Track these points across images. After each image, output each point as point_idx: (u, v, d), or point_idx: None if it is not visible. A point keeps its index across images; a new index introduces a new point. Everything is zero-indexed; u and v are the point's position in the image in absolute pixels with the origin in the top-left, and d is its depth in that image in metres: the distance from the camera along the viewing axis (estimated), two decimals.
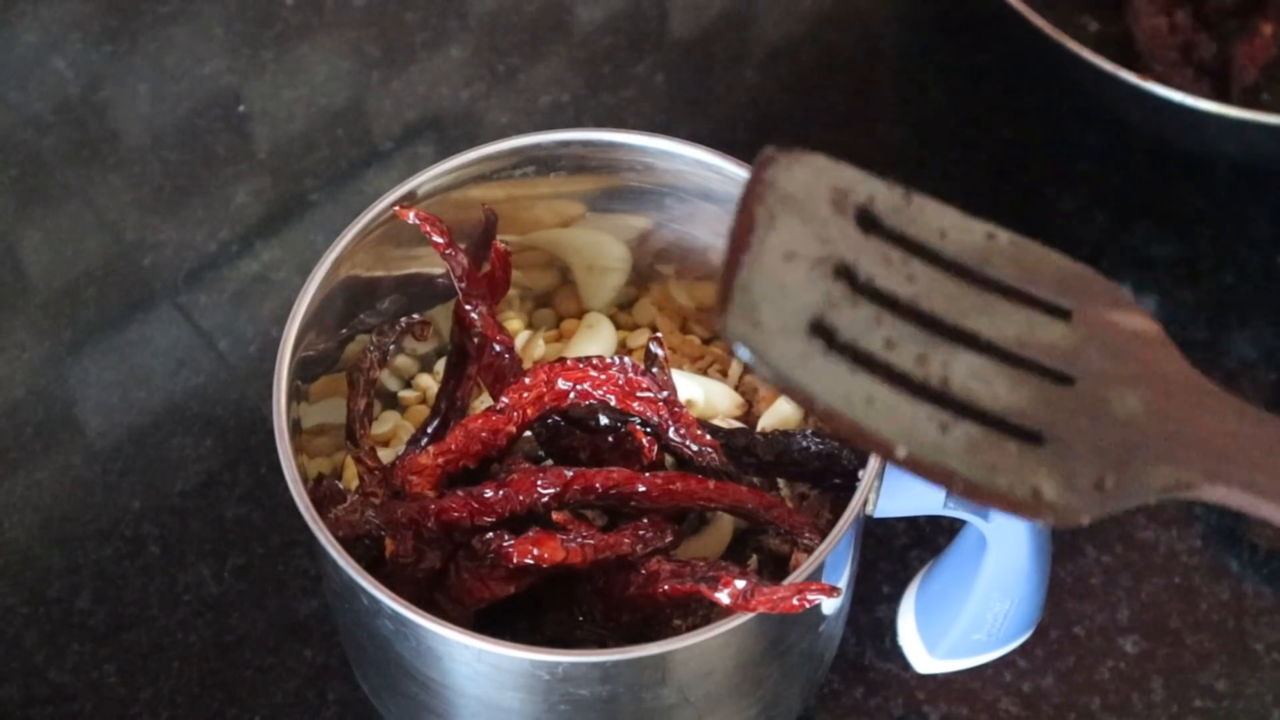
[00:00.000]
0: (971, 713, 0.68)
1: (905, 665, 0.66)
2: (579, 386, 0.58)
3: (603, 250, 0.67)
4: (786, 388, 0.44)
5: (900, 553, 0.70)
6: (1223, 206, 0.81)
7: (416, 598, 0.54)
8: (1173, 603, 0.70)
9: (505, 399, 0.58)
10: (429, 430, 0.61)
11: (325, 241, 0.63)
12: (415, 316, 0.62)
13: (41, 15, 0.84)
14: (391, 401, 0.67)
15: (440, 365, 0.65)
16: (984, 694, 0.68)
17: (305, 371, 0.60)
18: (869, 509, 0.57)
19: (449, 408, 0.61)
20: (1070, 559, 0.71)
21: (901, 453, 0.44)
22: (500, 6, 0.86)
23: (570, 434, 0.59)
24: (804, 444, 0.59)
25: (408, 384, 0.67)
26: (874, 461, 0.56)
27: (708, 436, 0.59)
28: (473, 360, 0.61)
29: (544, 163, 0.63)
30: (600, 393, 0.58)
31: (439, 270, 0.63)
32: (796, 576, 0.54)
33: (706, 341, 0.68)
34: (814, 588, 0.53)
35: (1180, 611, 0.70)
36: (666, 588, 0.55)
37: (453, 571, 0.56)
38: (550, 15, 0.85)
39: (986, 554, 0.60)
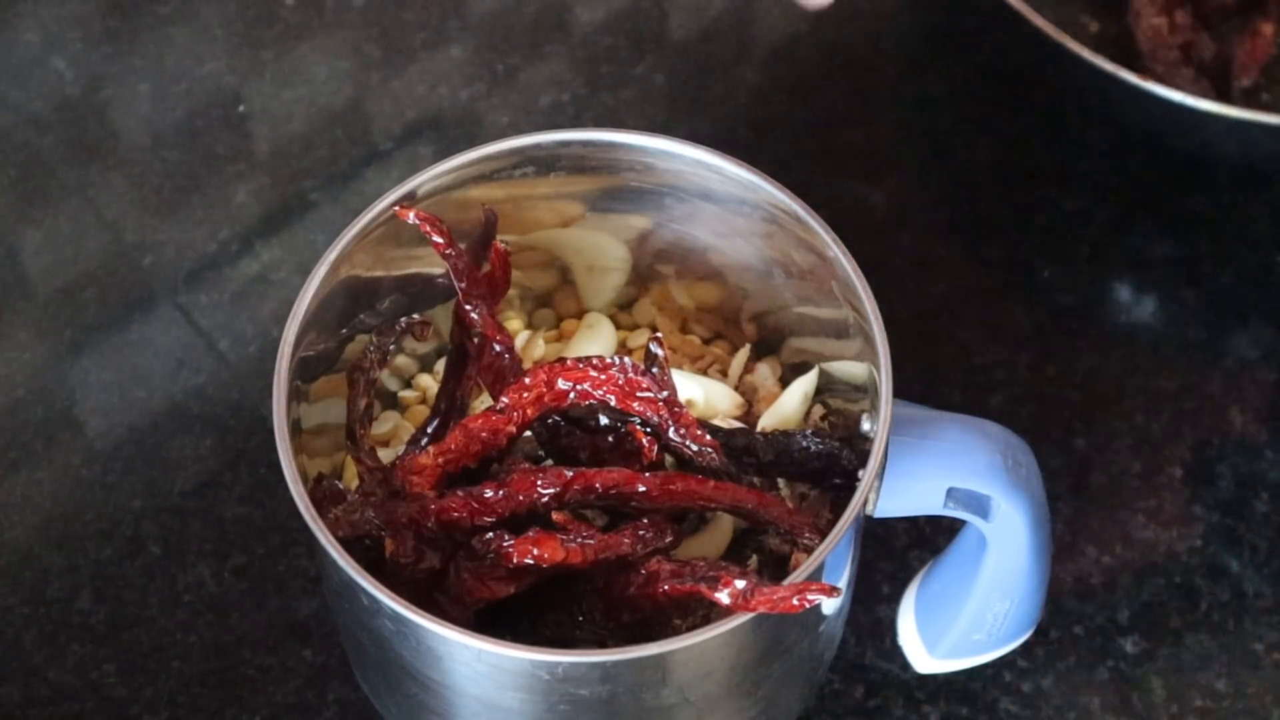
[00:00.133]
0: (971, 713, 0.68)
1: (905, 665, 0.66)
2: (579, 386, 0.58)
3: (603, 250, 0.67)
4: None
5: (900, 553, 0.70)
6: (1223, 206, 0.81)
7: (416, 598, 0.54)
8: (1173, 603, 0.70)
9: (505, 399, 0.58)
10: (429, 430, 0.61)
11: (325, 241, 0.63)
12: (415, 316, 0.62)
13: (41, 15, 0.84)
14: (391, 401, 0.67)
15: (440, 365, 0.65)
16: (984, 694, 0.68)
17: (305, 371, 0.60)
18: (869, 509, 0.57)
19: (449, 408, 0.61)
20: (1070, 559, 0.71)
21: None
22: (500, 6, 0.86)
23: (570, 434, 0.59)
24: (804, 444, 0.59)
25: (408, 384, 0.67)
26: (874, 461, 0.56)
27: (708, 436, 0.59)
28: (473, 360, 0.61)
29: (544, 163, 0.63)
30: (600, 393, 0.58)
31: (439, 270, 0.63)
32: (796, 576, 0.54)
33: (707, 341, 0.68)
34: (814, 588, 0.53)
35: (1180, 611, 0.70)
36: (666, 588, 0.55)
37: (453, 571, 0.56)
38: (550, 15, 0.85)
39: (986, 554, 0.60)
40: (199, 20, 0.85)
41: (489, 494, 0.56)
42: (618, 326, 0.68)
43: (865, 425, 0.59)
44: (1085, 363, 0.76)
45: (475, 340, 0.61)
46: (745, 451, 0.60)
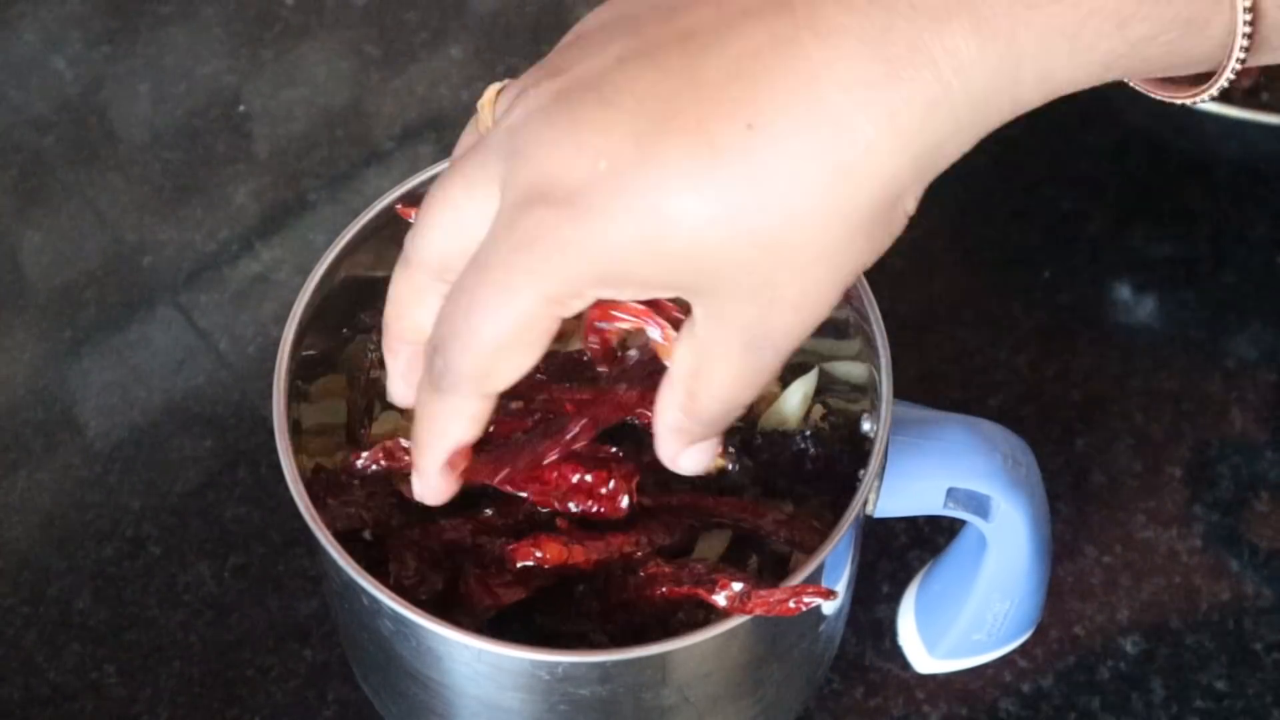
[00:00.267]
0: (971, 713, 0.68)
1: (905, 665, 0.66)
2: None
3: None
4: None
5: (900, 553, 0.70)
6: (1223, 206, 0.81)
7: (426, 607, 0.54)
8: (1173, 603, 0.70)
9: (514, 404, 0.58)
10: None
11: (325, 241, 0.63)
12: None
13: (41, 15, 0.84)
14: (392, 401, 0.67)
15: None
16: (984, 694, 0.68)
17: (305, 371, 0.60)
18: (869, 509, 0.57)
19: None
20: (1070, 559, 0.71)
21: None
22: (500, 6, 0.86)
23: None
24: (804, 444, 0.59)
25: None
26: (874, 461, 0.56)
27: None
28: None
29: None
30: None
31: None
32: (796, 577, 0.54)
33: None
34: (811, 590, 0.53)
35: (1180, 611, 0.70)
36: (664, 590, 0.55)
37: (460, 583, 0.56)
38: (550, 15, 0.85)
39: (986, 554, 0.60)
40: (199, 20, 0.85)
41: (489, 513, 0.56)
42: None
43: (865, 425, 0.59)
44: (1085, 363, 0.76)
45: None
46: (745, 452, 0.60)
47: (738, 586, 0.53)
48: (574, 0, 0.86)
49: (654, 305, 0.54)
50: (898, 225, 0.46)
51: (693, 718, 0.57)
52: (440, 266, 0.48)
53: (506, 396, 0.50)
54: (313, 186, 0.80)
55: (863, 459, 0.58)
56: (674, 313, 0.53)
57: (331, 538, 0.54)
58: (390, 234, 0.61)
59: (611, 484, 0.56)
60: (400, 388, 0.53)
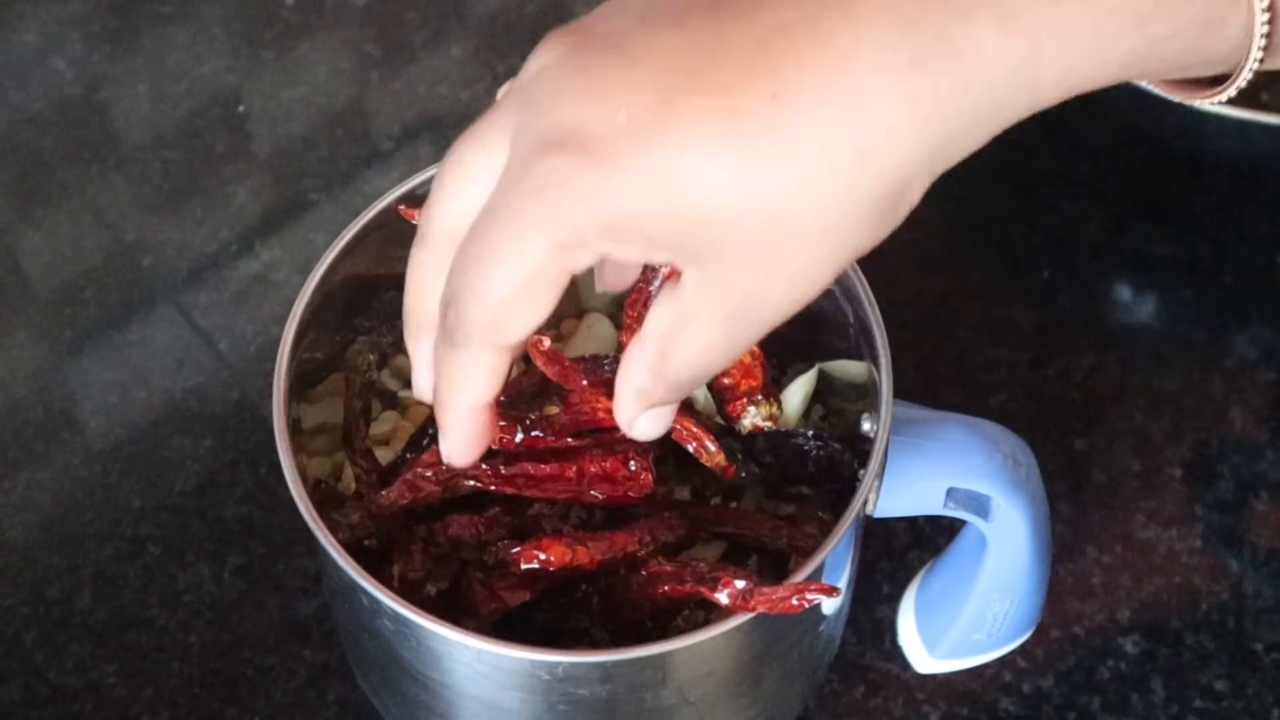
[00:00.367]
0: (971, 713, 0.68)
1: (905, 665, 0.66)
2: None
3: None
4: None
5: (900, 553, 0.70)
6: (1223, 206, 0.81)
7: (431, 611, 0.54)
8: (1173, 603, 0.70)
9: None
10: (430, 430, 0.61)
11: (325, 241, 0.63)
12: None
13: (41, 15, 0.84)
14: (391, 401, 0.67)
15: None
16: (984, 694, 0.68)
17: (305, 371, 0.60)
18: (869, 509, 0.57)
19: None
20: (1070, 559, 0.71)
21: None
22: (500, 6, 0.86)
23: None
24: (804, 444, 0.59)
25: (408, 384, 0.67)
26: (874, 461, 0.56)
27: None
28: None
29: None
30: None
31: None
32: (796, 577, 0.54)
33: None
34: (813, 588, 0.53)
35: (1180, 611, 0.70)
36: (666, 588, 0.55)
37: (465, 585, 0.56)
38: (550, 15, 0.85)
39: (986, 554, 0.60)
40: (199, 20, 0.85)
41: (495, 510, 0.56)
42: (617, 327, 0.68)
43: (865, 425, 0.59)
44: (1085, 363, 0.76)
45: None
46: (745, 451, 0.60)
47: (740, 584, 0.53)
48: (574, 0, 0.86)
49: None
50: (901, 214, 0.46)
51: (693, 718, 0.57)
52: (457, 237, 0.47)
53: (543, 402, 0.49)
54: (313, 186, 0.80)
55: (863, 459, 0.58)
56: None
57: (332, 538, 0.54)
58: (390, 234, 0.61)
59: (632, 464, 0.56)
60: (425, 377, 0.51)
